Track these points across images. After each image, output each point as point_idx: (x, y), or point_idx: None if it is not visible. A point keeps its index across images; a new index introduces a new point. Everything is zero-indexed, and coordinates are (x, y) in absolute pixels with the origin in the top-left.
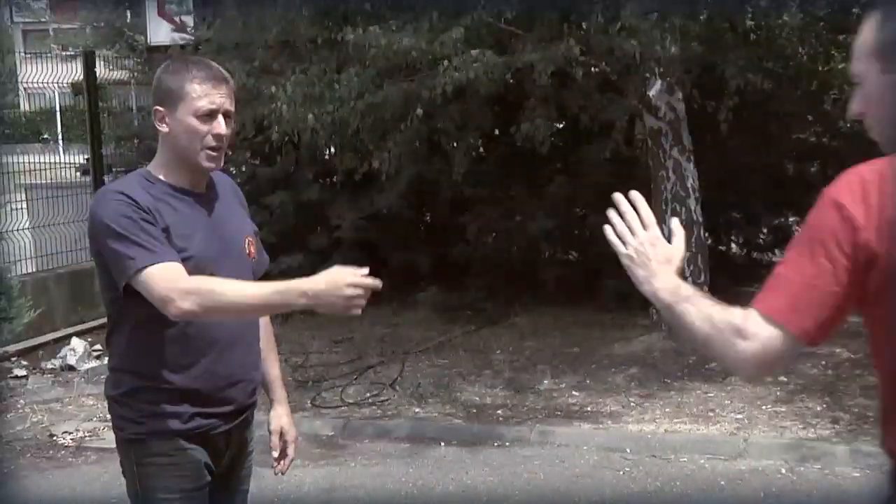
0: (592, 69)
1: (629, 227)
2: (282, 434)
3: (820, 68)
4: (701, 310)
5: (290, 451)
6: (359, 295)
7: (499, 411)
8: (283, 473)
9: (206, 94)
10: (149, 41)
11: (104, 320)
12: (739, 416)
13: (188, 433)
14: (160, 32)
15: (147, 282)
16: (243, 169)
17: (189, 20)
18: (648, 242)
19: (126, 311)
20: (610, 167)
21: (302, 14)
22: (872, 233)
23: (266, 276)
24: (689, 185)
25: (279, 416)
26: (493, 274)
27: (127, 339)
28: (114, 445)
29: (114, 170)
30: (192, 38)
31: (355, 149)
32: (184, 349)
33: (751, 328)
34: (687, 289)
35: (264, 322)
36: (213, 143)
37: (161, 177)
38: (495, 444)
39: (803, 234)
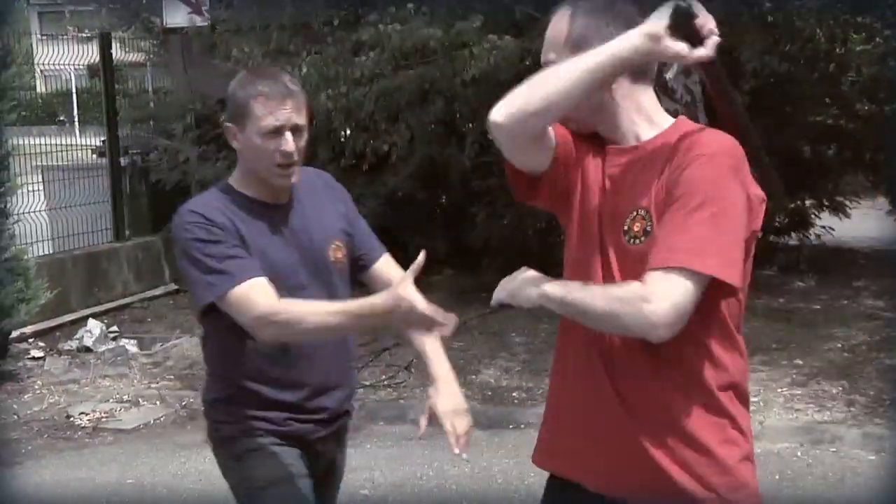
0: None
1: None
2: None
3: (837, 50)
4: (595, 291)
5: (461, 425)
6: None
7: (514, 394)
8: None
9: (270, 112)
10: (165, 23)
11: (121, 301)
12: (755, 399)
13: (284, 434)
14: (176, 14)
15: (227, 307)
16: None
17: (205, 1)
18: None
19: (213, 322)
20: None
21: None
22: None
23: None
24: None
25: (439, 394)
26: (509, 256)
27: (218, 348)
28: (129, 427)
29: (130, 151)
30: (208, 19)
31: (368, 130)
32: (272, 360)
33: (658, 294)
34: (562, 281)
35: None
36: (282, 161)
37: (239, 189)
38: (511, 426)
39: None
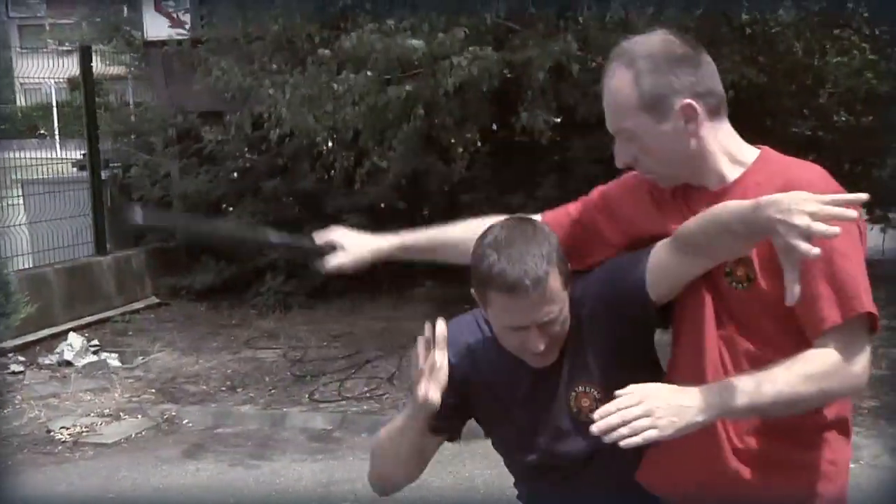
0: (591, 63)
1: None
2: None
3: (815, 62)
4: (786, 379)
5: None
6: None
7: None
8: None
9: (507, 312)
10: (145, 36)
11: (102, 315)
12: None
13: None
14: (157, 27)
15: None
16: (239, 163)
17: (186, 17)
18: (645, 400)
19: None
20: (605, 161)
21: (298, 14)
22: None
23: (259, 276)
24: None
25: None
26: None
27: None
28: (111, 441)
29: (110, 165)
30: (188, 32)
31: (352, 147)
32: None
33: (853, 351)
34: (724, 382)
35: None
36: (531, 354)
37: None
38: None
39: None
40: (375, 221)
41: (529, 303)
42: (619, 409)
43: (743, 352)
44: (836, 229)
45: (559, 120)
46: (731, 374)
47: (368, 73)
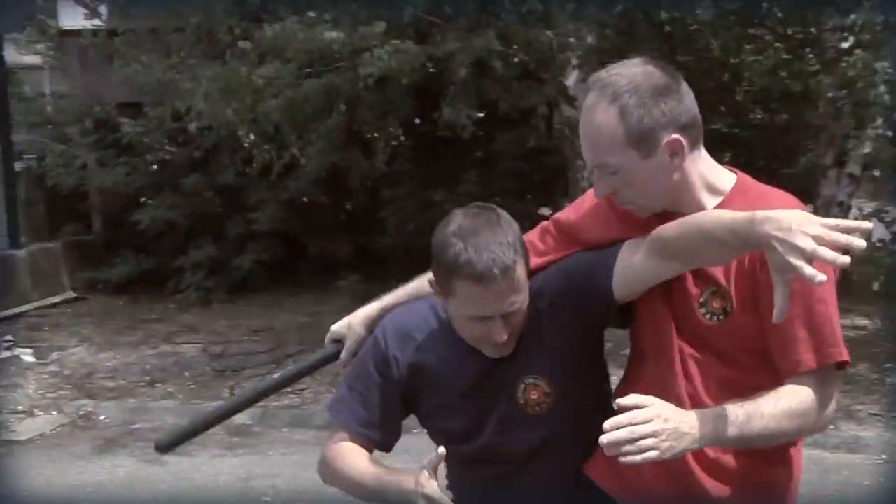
0: (513, 59)
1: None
2: None
3: (731, 60)
4: (768, 412)
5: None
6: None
7: None
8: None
9: (474, 301)
10: (60, 25)
11: (16, 310)
12: None
13: None
14: (72, 17)
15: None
16: (159, 155)
17: (103, 8)
18: (654, 419)
19: None
20: (528, 155)
21: (219, 5)
22: None
23: (179, 272)
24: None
25: None
26: (415, 261)
27: None
28: (24, 438)
29: (25, 157)
30: (104, 22)
31: (273, 140)
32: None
33: (828, 394)
34: (717, 410)
35: None
36: (490, 349)
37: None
38: (414, 431)
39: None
40: (297, 216)
41: (497, 292)
42: (630, 424)
43: (717, 376)
44: (846, 258)
45: (482, 115)
46: (704, 395)
47: (289, 63)
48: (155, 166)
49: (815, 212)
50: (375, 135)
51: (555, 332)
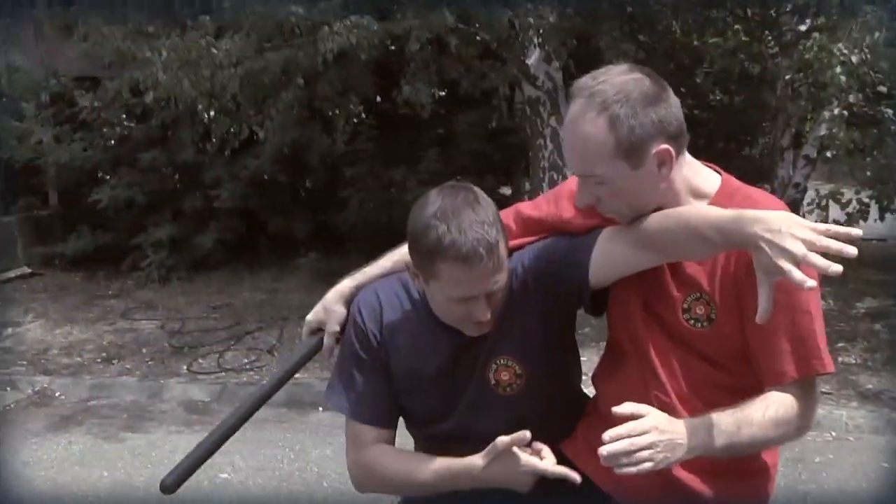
0: (474, 38)
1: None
2: None
3: (693, 42)
4: (755, 420)
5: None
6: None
7: None
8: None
9: (459, 282)
10: None
11: None
12: None
13: None
14: None
15: (346, 429)
16: (116, 130)
17: None
18: (651, 431)
19: None
20: (489, 135)
21: None
22: None
23: (137, 248)
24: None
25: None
26: (375, 239)
27: None
28: None
29: None
30: None
31: (232, 114)
32: None
33: (810, 404)
34: (708, 419)
35: None
36: (472, 328)
37: (426, 300)
38: None
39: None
40: (257, 194)
41: (483, 272)
42: (629, 436)
43: (703, 377)
44: (838, 267)
45: (443, 94)
46: (690, 394)
47: (248, 37)
48: (112, 142)
49: (772, 193)
50: (336, 112)
51: (527, 313)
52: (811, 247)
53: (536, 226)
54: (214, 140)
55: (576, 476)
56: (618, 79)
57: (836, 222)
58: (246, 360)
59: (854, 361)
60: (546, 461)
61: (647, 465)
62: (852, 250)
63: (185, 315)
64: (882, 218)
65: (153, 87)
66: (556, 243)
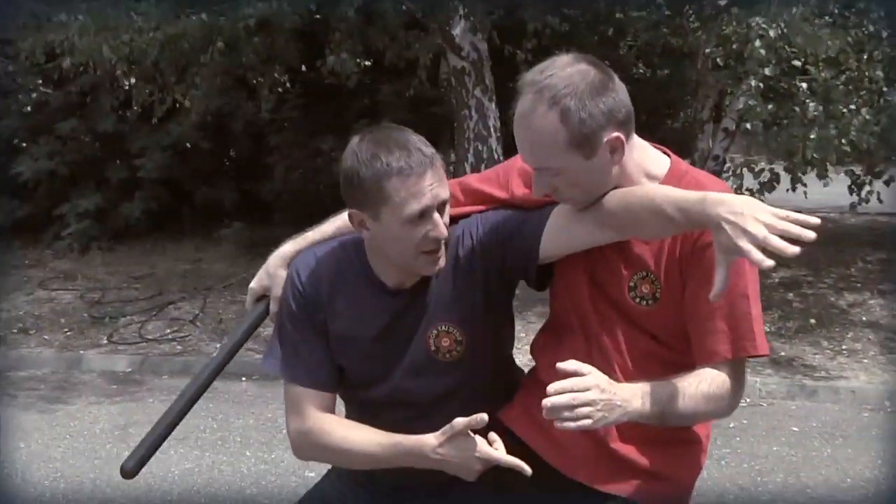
0: (401, 7)
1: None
2: None
3: (617, 15)
4: (686, 393)
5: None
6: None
7: None
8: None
9: (412, 195)
10: None
11: None
12: None
13: None
14: None
15: (285, 395)
16: (33, 96)
17: None
18: (592, 388)
19: None
20: (414, 105)
21: None
22: None
23: (61, 219)
24: (490, 125)
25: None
26: (300, 209)
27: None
28: None
29: None
30: None
31: (154, 80)
32: None
33: (740, 382)
34: (644, 386)
35: None
36: (432, 247)
37: (367, 262)
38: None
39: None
40: (181, 162)
41: (433, 176)
42: (572, 390)
43: (647, 352)
44: (795, 248)
45: (369, 63)
46: (633, 368)
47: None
48: (29, 108)
49: (692, 165)
50: (260, 80)
51: (471, 281)
52: (772, 230)
53: (484, 198)
54: (136, 107)
55: (526, 468)
56: (564, 71)
57: (750, 190)
58: (168, 331)
59: (768, 330)
60: (499, 452)
61: (586, 421)
62: (811, 235)
63: (105, 285)
64: (794, 189)
65: (69, 52)
66: (506, 215)
